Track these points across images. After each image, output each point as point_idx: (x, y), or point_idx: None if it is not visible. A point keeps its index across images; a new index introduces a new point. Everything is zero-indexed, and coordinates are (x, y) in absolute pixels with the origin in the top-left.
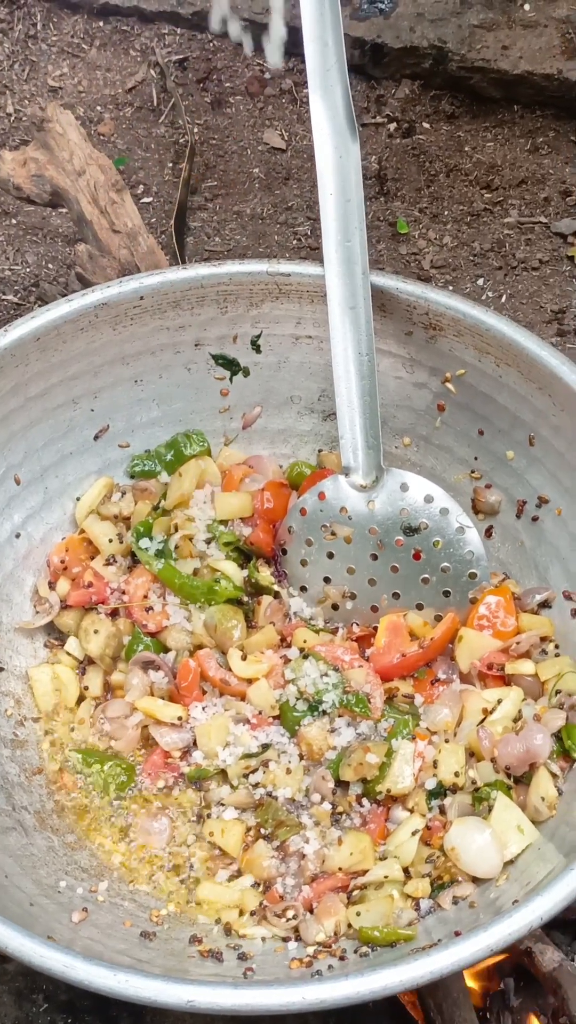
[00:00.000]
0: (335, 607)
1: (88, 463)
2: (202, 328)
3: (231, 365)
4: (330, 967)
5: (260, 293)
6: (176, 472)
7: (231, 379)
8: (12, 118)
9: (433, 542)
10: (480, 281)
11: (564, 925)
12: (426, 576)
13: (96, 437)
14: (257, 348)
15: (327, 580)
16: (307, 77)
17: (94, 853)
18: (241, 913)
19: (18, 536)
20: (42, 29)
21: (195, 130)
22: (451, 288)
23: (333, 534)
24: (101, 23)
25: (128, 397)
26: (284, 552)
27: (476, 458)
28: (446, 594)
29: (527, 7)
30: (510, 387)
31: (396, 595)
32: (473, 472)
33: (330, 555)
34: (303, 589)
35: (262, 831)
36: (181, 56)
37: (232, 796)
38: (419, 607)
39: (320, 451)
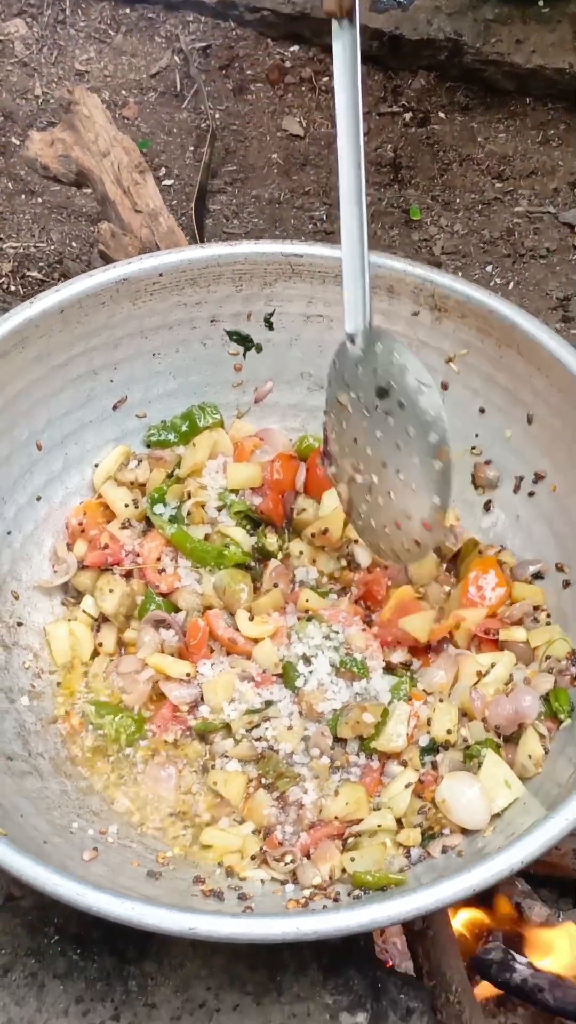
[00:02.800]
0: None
1: (106, 432)
2: (218, 305)
3: (245, 341)
4: (324, 907)
5: (274, 273)
6: (190, 443)
7: (244, 355)
8: (40, 100)
9: (398, 403)
10: (489, 268)
11: (551, 882)
12: (398, 442)
13: (115, 407)
14: (270, 325)
15: (343, 451)
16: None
17: (105, 798)
18: (242, 857)
19: (39, 499)
20: (70, 15)
21: (216, 116)
22: (460, 274)
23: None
24: (127, 10)
25: (146, 369)
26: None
27: (477, 435)
28: (419, 463)
29: (541, 2)
30: (511, 368)
31: (384, 465)
32: (474, 449)
33: (341, 423)
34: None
35: (263, 781)
36: (204, 43)
37: (235, 749)
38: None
39: None
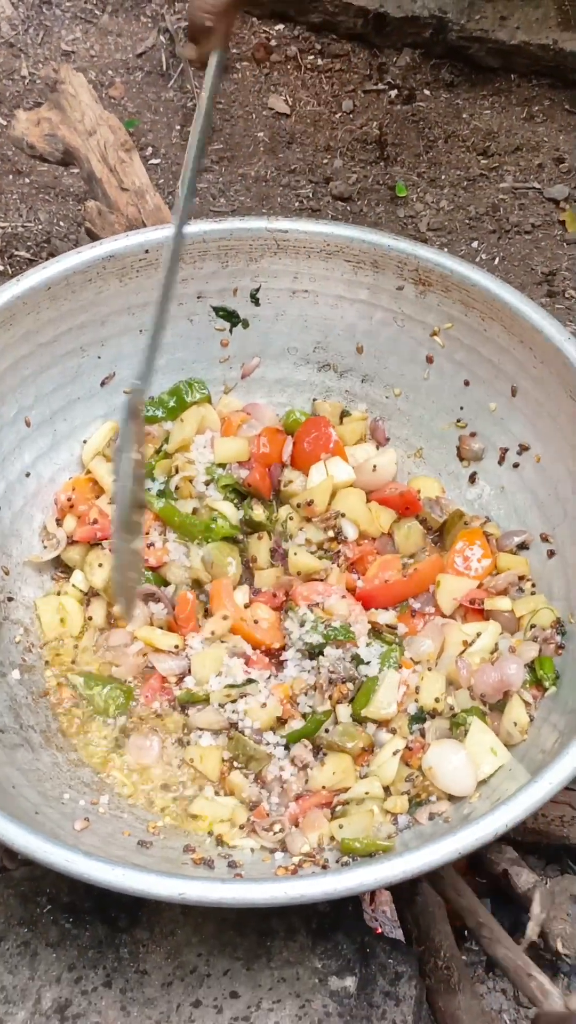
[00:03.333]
0: None
1: (95, 408)
2: (204, 281)
3: (231, 317)
4: (313, 874)
5: (259, 248)
6: (178, 418)
7: (231, 330)
8: (27, 80)
9: None
10: (475, 244)
11: (538, 849)
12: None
13: (103, 383)
14: (256, 301)
15: None
16: None
17: (95, 769)
18: (232, 826)
19: (28, 475)
20: None
21: None
22: (446, 250)
23: None
24: None
25: (133, 346)
26: None
27: (462, 408)
28: None
29: None
30: (494, 340)
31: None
32: (459, 421)
33: None
34: None
35: (235, 764)
36: None
37: (202, 715)
38: None
39: (315, 400)
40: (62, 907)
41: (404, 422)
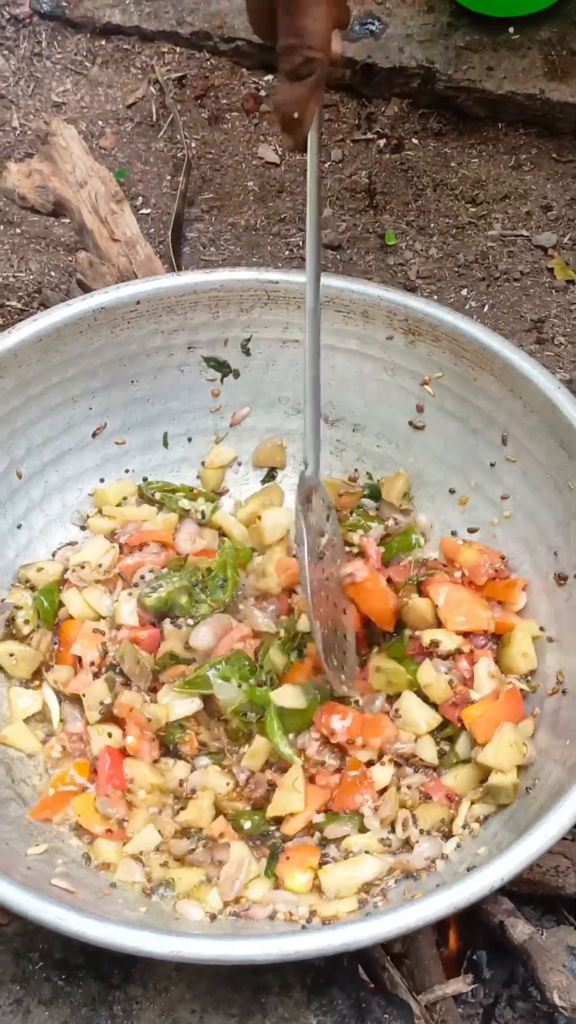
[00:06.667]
0: None
1: (86, 459)
2: (195, 332)
3: (222, 367)
4: (308, 929)
5: (250, 299)
6: None
7: (222, 380)
8: (18, 132)
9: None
10: (464, 291)
11: (534, 900)
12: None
13: (94, 434)
14: (247, 351)
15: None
16: None
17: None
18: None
19: (19, 527)
20: (47, 47)
21: (192, 145)
22: (436, 298)
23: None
24: (103, 42)
25: (124, 397)
26: None
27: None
28: None
29: (511, 29)
30: (484, 389)
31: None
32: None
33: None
34: None
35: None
36: (180, 74)
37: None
38: None
39: None
40: (55, 963)
41: (395, 471)
